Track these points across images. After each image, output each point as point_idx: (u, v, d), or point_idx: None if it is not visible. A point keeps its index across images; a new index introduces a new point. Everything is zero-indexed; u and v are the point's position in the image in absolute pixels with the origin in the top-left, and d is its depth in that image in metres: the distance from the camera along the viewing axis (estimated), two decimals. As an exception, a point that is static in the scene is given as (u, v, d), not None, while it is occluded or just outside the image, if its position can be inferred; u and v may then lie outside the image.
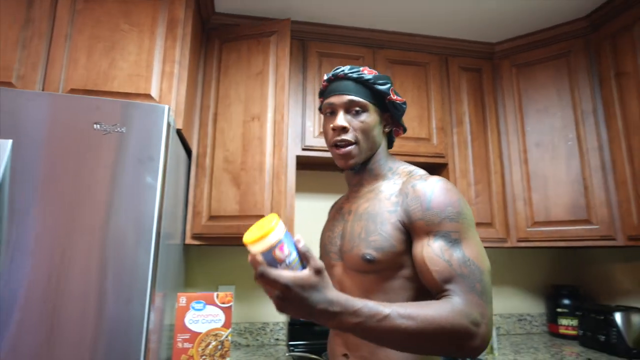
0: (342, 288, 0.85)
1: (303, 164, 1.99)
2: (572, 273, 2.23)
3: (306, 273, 0.59)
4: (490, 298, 0.70)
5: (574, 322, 1.92)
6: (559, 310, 1.98)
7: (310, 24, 1.90)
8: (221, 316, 1.32)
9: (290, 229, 1.68)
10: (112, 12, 1.43)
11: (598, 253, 2.07)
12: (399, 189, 0.83)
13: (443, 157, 1.91)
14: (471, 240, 0.74)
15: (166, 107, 1.20)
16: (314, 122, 1.82)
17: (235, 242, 1.64)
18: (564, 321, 1.95)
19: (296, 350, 1.74)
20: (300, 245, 0.62)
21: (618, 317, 1.63)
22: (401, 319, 0.62)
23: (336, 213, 0.98)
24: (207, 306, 1.32)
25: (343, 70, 0.90)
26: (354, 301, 0.62)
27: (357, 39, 1.96)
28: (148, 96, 1.38)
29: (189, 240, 1.61)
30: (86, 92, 1.34)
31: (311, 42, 1.91)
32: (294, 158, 1.76)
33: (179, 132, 1.44)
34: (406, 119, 1.91)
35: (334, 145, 0.89)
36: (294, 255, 0.61)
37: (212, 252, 1.93)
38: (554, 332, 2.00)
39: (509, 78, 2.03)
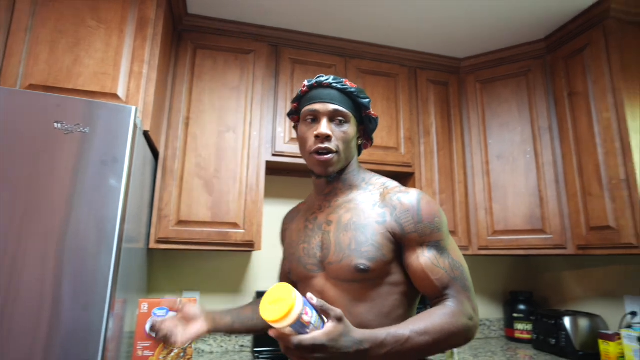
0: (324, 298, 0.86)
1: (272, 169, 2.00)
2: (528, 280, 2.35)
3: (332, 325, 0.63)
4: (474, 290, 0.81)
5: (529, 327, 2.03)
6: (515, 315, 2.08)
7: (284, 30, 1.91)
8: (185, 323, 1.29)
9: (259, 235, 1.67)
10: (77, 6, 1.38)
11: (551, 261, 2.19)
12: (380, 200, 0.87)
13: (410, 166, 1.97)
14: (452, 244, 0.84)
15: (133, 108, 1.17)
16: (284, 128, 1.83)
17: (205, 247, 1.62)
18: (519, 326, 2.05)
19: (261, 357, 1.72)
20: (315, 302, 0.65)
21: (567, 321, 1.73)
22: (419, 337, 0.70)
23: (308, 223, 0.95)
24: (170, 312, 1.29)
25: (328, 79, 0.90)
26: (377, 333, 0.67)
27: (330, 48, 1.99)
28: (114, 96, 1.34)
29: (153, 245, 1.56)
30: (47, 88, 1.28)
31: (284, 48, 1.92)
32: (264, 164, 1.76)
33: (146, 134, 1.41)
34: (376, 129, 1.95)
35: (315, 153, 0.88)
36: (315, 314, 0.64)
37: (177, 257, 1.88)
38: (510, 337, 2.10)
39: (473, 92, 2.13)
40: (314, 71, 1.93)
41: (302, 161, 1.82)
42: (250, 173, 1.72)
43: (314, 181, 0.97)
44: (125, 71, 1.38)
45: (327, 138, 0.86)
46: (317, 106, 0.89)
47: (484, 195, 1.99)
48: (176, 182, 1.64)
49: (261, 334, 1.81)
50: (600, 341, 1.61)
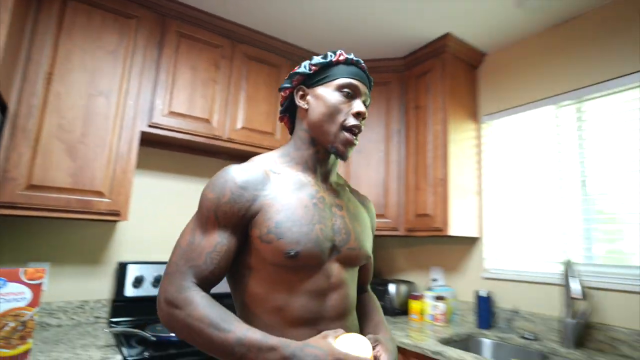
0: (336, 282, 0.83)
1: (147, 140, 1.96)
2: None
3: (383, 347, 0.78)
4: None
5: (367, 294, 2.46)
6: (357, 284, 2.49)
7: (173, 0, 1.87)
8: (27, 294, 1.20)
9: (126, 205, 1.65)
10: None
11: (388, 241, 2.68)
12: (357, 198, 1.01)
13: (284, 152, 2.16)
14: None
15: (-16, 55, 1.06)
16: (163, 100, 1.81)
17: (63, 214, 1.52)
18: (360, 293, 2.47)
19: (119, 326, 1.72)
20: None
21: (391, 287, 2.19)
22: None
23: (317, 202, 0.84)
24: (9, 284, 1.19)
25: (364, 65, 0.90)
26: (387, 331, 0.93)
27: (220, 29, 2.02)
28: (-45, 36, 1.17)
29: (-5, 209, 1.41)
30: None
31: (172, 19, 1.89)
32: (138, 134, 1.73)
33: (-5, 85, 1.26)
34: (255, 114, 2.08)
35: (349, 130, 0.84)
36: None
37: (23, 224, 1.71)
38: (353, 302, 2.50)
39: (345, 93, 2.42)
40: (200, 49, 1.95)
41: (180, 135, 1.84)
42: (122, 142, 1.67)
43: (310, 154, 0.88)
44: (-28, 10, 1.20)
45: (364, 119, 0.87)
46: (359, 84, 0.87)
47: (344, 184, 2.32)
48: (30, 143, 1.49)
49: (120, 305, 1.80)
50: (410, 300, 2.10)
